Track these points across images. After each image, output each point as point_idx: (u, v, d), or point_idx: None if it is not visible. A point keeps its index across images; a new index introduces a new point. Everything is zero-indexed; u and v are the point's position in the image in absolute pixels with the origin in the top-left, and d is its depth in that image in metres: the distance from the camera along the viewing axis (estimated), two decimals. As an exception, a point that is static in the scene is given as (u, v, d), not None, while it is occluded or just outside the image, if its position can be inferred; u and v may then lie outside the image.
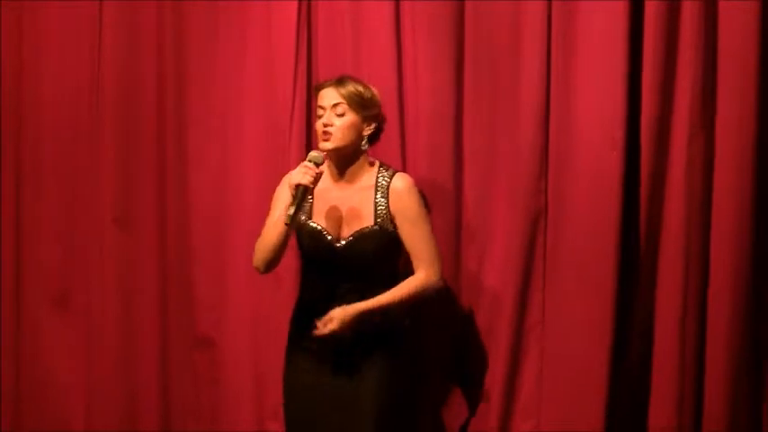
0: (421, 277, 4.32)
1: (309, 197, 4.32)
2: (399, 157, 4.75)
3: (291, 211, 4.16)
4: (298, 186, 4.20)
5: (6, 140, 5.15)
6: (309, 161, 4.26)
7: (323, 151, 4.31)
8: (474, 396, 4.78)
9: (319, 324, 4.22)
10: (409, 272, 4.35)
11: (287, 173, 4.41)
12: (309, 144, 4.79)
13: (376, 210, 4.32)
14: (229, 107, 4.94)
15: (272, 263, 4.35)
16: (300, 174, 4.22)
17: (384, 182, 4.33)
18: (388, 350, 4.31)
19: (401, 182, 4.35)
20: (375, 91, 4.38)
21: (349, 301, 4.26)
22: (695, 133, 4.56)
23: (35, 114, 5.14)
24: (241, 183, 4.93)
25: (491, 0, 4.71)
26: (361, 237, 4.29)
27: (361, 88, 4.33)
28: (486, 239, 4.75)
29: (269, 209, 4.39)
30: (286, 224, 4.19)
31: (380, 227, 4.30)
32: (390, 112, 4.71)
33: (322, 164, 4.28)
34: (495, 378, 4.73)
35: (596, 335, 4.60)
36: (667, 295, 4.61)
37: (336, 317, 4.21)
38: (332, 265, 4.30)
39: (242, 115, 4.92)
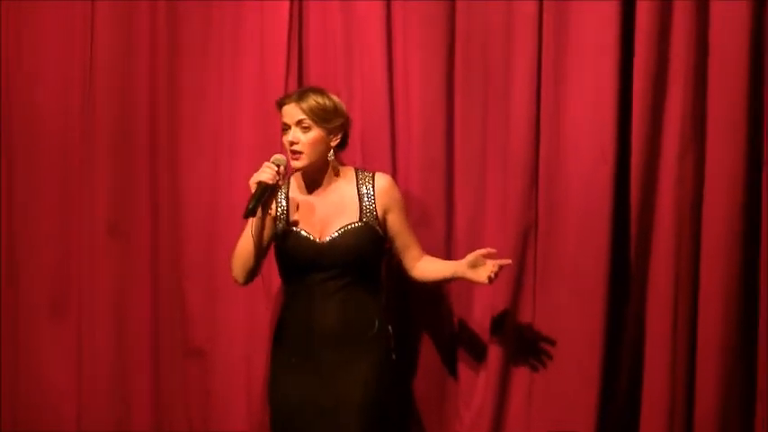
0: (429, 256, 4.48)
1: (280, 202, 4.37)
2: (390, 169, 4.75)
3: (251, 204, 4.18)
4: (259, 183, 4.22)
5: (0, 148, 5.17)
6: (272, 162, 4.28)
7: (296, 168, 4.35)
8: (465, 409, 4.78)
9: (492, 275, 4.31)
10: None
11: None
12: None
13: (362, 208, 4.35)
14: (222, 113, 4.95)
15: (250, 271, 4.36)
16: (261, 172, 4.25)
17: (368, 182, 4.38)
18: (372, 359, 4.33)
19: (385, 179, 4.44)
20: (337, 99, 4.38)
21: (336, 302, 4.29)
22: (686, 147, 4.57)
23: (28, 122, 5.14)
24: (234, 193, 4.90)
25: (483, 3, 4.72)
26: (346, 232, 4.33)
27: (321, 100, 4.32)
28: (478, 252, 4.77)
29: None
30: (243, 216, 4.20)
31: (366, 223, 4.34)
32: (381, 121, 4.75)
33: (286, 165, 4.31)
34: (486, 392, 4.73)
35: (587, 348, 4.61)
36: (658, 309, 4.62)
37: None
38: (316, 265, 4.31)
39: (234, 123, 4.93)
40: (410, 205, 4.60)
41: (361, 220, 4.35)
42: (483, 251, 4.36)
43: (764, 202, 4.58)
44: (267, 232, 4.37)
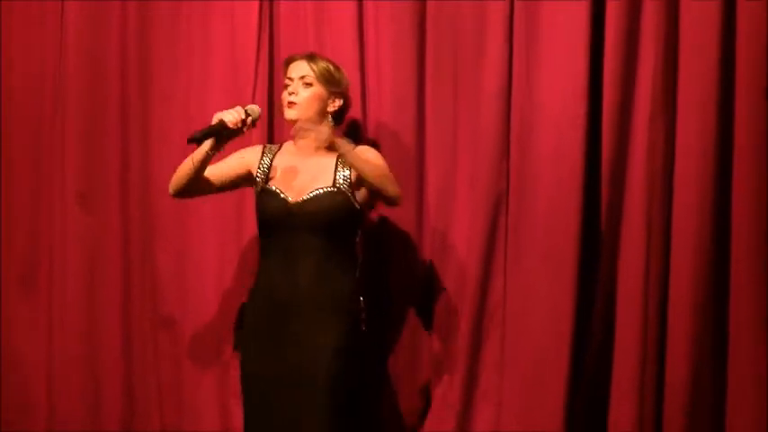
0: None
1: (263, 162, 4.41)
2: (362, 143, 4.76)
3: (198, 134, 4.24)
4: (220, 121, 4.28)
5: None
6: (245, 108, 4.33)
7: (288, 120, 4.38)
8: (436, 377, 4.79)
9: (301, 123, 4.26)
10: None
11: (248, 151, 4.52)
12: (272, 132, 4.85)
13: (336, 174, 4.37)
14: (192, 88, 4.95)
15: (180, 190, 4.42)
16: (227, 112, 4.31)
17: None
18: (343, 330, 4.32)
19: (366, 146, 4.48)
20: (344, 73, 4.49)
21: (307, 266, 4.30)
22: (656, 116, 4.60)
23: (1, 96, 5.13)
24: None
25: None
26: (317, 196, 4.34)
27: (332, 66, 4.45)
28: (449, 222, 4.79)
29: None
30: (187, 140, 4.25)
31: (338, 189, 4.35)
32: (353, 98, 4.74)
33: (256, 118, 4.35)
34: (457, 360, 4.75)
35: (558, 317, 4.63)
36: (629, 277, 4.64)
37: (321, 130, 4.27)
38: (286, 224, 4.32)
39: (205, 95, 4.93)
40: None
41: (334, 185, 4.36)
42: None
43: (734, 167, 4.61)
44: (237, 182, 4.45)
